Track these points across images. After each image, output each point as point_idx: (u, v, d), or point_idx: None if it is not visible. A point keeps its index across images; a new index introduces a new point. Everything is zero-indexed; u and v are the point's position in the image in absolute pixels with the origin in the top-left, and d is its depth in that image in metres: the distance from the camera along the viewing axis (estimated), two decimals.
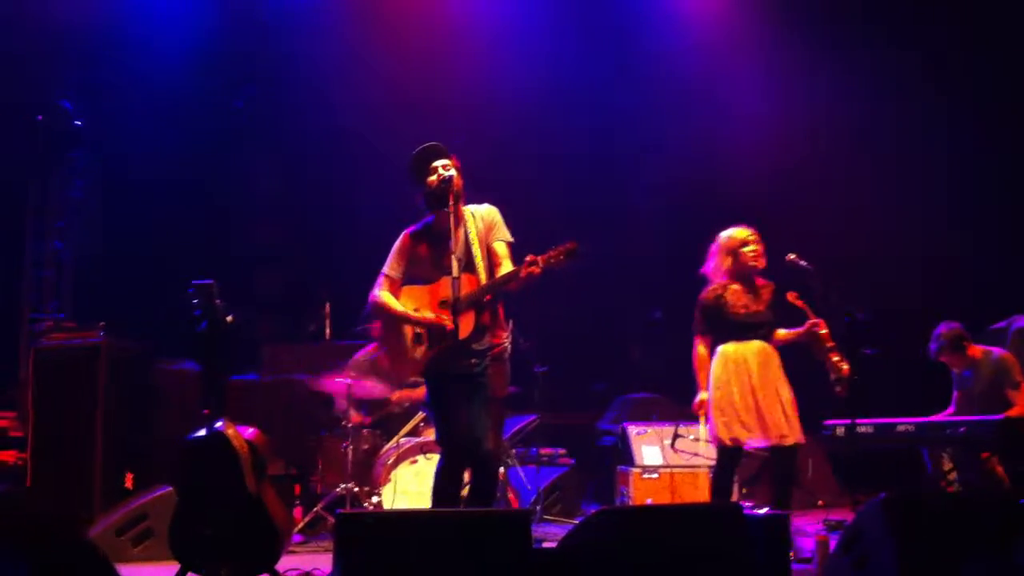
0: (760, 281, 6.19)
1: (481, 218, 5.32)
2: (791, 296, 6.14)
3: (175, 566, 5.03)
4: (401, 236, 5.40)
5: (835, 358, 6.04)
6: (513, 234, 5.33)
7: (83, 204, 8.56)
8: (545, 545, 5.76)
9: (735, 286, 6.13)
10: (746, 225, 6.20)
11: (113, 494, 6.73)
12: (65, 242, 8.46)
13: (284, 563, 5.25)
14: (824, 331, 6.01)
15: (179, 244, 8.81)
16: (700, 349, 6.20)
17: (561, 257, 4.96)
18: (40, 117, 8.34)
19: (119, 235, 8.78)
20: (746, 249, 6.11)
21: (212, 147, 9.26)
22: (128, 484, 6.96)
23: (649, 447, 7.86)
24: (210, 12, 9.32)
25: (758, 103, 10.00)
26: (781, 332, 6.18)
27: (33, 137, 8.42)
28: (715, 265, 6.22)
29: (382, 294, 5.32)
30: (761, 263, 6.12)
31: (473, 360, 5.16)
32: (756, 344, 6.07)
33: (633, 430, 7.97)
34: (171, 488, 5.68)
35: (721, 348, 6.13)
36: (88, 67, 8.75)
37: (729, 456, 6.05)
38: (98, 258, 8.51)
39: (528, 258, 4.97)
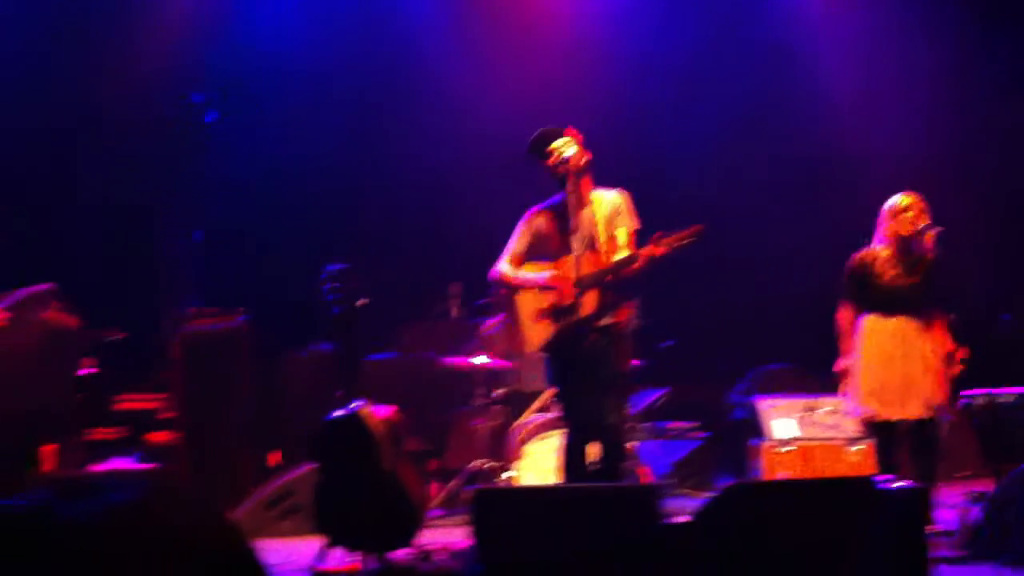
0: (923, 250, 5.94)
1: (610, 203, 5.37)
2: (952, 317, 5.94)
3: (321, 539, 5.24)
4: (526, 214, 5.50)
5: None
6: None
7: (217, 193, 8.83)
8: (678, 519, 5.78)
9: (887, 253, 5.97)
10: (910, 192, 6.02)
11: (259, 472, 7.01)
12: (203, 230, 8.75)
13: (423, 537, 5.40)
14: (954, 366, 5.87)
15: (311, 228, 9.07)
16: (844, 314, 6.06)
17: (687, 240, 5.01)
18: (172, 112, 8.63)
19: (253, 222, 9.05)
20: (903, 216, 5.95)
21: (344, 133, 9.46)
22: (271, 462, 7.23)
23: (781, 420, 7.73)
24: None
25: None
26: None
27: (164, 131, 8.72)
28: (879, 232, 6.06)
29: (503, 266, 5.43)
30: (914, 228, 5.87)
31: (595, 336, 5.20)
32: (897, 320, 5.87)
33: (765, 403, 7.87)
34: (315, 466, 5.89)
35: (864, 319, 5.98)
36: (219, 58, 9.01)
37: (878, 431, 5.93)
38: (234, 245, 8.79)
39: (655, 236, 5.03)
